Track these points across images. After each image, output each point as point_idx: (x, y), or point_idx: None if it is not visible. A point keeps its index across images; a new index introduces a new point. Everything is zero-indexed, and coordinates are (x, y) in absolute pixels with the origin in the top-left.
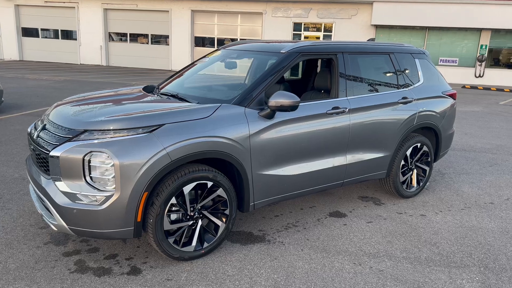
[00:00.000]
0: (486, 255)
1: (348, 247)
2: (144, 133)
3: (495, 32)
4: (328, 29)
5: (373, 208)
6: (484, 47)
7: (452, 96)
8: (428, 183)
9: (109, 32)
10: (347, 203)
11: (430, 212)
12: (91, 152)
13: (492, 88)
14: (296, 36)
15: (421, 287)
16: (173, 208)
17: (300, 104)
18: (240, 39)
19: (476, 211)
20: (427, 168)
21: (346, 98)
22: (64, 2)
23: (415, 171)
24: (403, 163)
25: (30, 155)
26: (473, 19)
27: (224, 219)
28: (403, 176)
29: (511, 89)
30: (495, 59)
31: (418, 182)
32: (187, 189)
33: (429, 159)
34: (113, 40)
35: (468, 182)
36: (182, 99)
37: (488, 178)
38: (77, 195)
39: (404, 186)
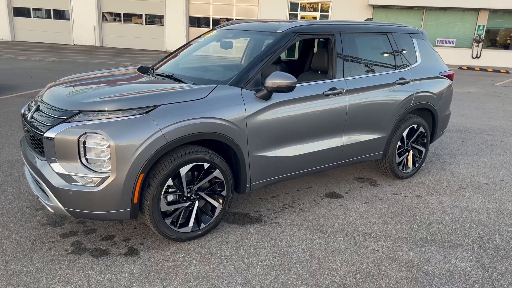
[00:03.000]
0: (480, 235)
1: (344, 228)
2: (139, 114)
3: (493, 12)
4: (325, 9)
5: (369, 189)
6: (481, 27)
7: (449, 77)
8: (424, 164)
9: (102, 12)
10: (343, 184)
11: (425, 192)
12: (86, 133)
13: (488, 69)
14: (293, 16)
15: (416, 266)
16: (170, 190)
17: (297, 85)
18: (236, 19)
19: (471, 191)
20: (423, 149)
21: (343, 79)
22: None
23: (411, 152)
24: (400, 144)
25: (24, 137)
26: None
27: (221, 200)
28: (399, 157)
29: (507, 70)
30: (492, 40)
31: (414, 163)
32: (183, 170)
33: (425, 140)
34: (106, 20)
35: (463, 163)
36: (177, 80)
37: (483, 159)
38: (73, 176)
39: (400, 167)
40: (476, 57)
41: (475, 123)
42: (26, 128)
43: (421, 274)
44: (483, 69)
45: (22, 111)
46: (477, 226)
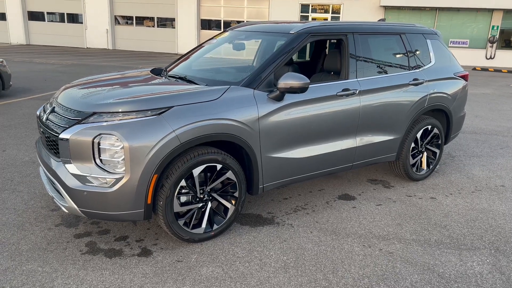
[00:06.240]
0: (497, 238)
1: (357, 230)
2: (153, 115)
3: (507, 12)
4: (336, 11)
5: (383, 191)
6: (495, 28)
7: (464, 77)
8: (438, 166)
9: (115, 15)
10: (356, 186)
11: (440, 195)
12: (100, 134)
13: (503, 70)
14: (303, 18)
15: (432, 269)
16: (183, 191)
17: (309, 86)
18: (247, 21)
19: (486, 193)
20: (437, 151)
21: (356, 79)
22: None
23: (425, 153)
24: (413, 145)
25: (39, 138)
26: None
27: (233, 202)
28: (413, 158)
29: None
30: (507, 41)
31: (428, 165)
32: (196, 171)
33: (439, 142)
34: (119, 23)
35: (478, 165)
36: (190, 82)
37: (498, 161)
38: (87, 177)
39: (414, 168)
40: (490, 58)
41: (490, 125)
42: (41, 130)
43: (437, 277)
44: (497, 70)
45: (38, 113)
46: (493, 229)
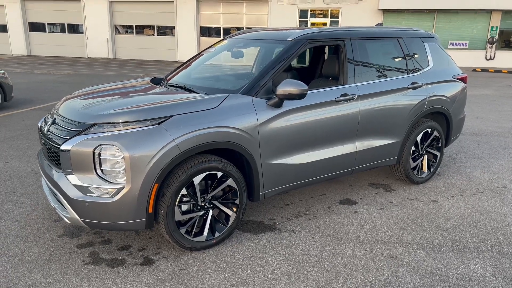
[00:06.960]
0: (499, 240)
1: (359, 235)
2: (153, 125)
3: (506, 13)
4: (334, 15)
5: (384, 195)
6: (494, 28)
7: (463, 80)
8: (439, 169)
9: (115, 25)
10: (357, 191)
11: (441, 197)
12: (101, 145)
13: (503, 71)
14: (303, 23)
15: (434, 273)
16: (184, 199)
17: (308, 92)
18: (246, 28)
19: (488, 195)
20: (438, 154)
21: (354, 84)
22: None
23: (425, 156)
24: (414, 148)
25: (41, 150)
26: (483, 0)
27: (234, 209)
28: (414, 162)
29: None
30: (506, 41)
31: (429, 168)
32: (197, 179)
33: (440, 144)
34: (119, 32)
35: (480, 167)
36: (189, 90)
37: (500, 162)
38: (89, 188)
39: (415, 172)
40: (490, 58)
41: (491, 126)
42: (43, 141)
43: (440, 280)
44: (498, 71)
45: (39, 125)
46: (495, 231)
